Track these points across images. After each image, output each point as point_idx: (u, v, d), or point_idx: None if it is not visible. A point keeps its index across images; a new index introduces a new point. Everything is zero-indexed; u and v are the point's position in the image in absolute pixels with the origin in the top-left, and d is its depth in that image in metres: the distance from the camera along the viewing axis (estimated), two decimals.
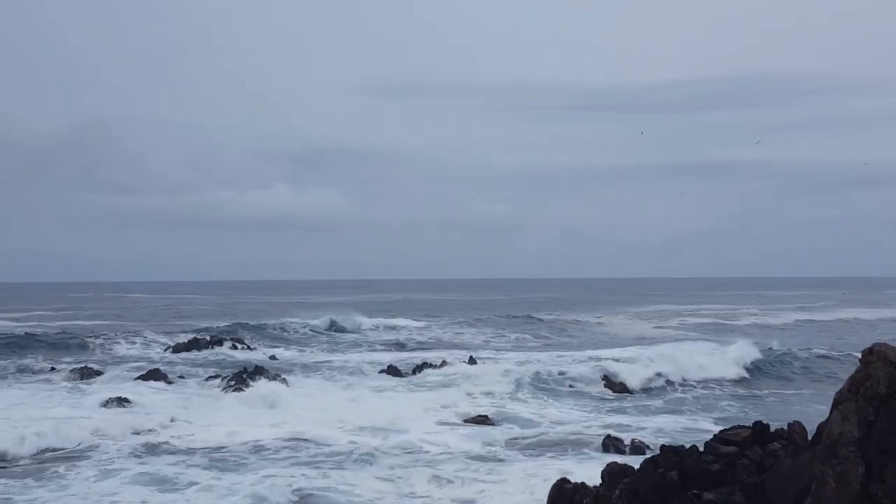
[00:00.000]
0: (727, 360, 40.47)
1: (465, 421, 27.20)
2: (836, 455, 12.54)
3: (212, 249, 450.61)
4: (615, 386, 35.33)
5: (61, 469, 20.07)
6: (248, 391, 31.88)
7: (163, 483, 19.44)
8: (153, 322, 62.44)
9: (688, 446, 15.39)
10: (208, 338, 52.91)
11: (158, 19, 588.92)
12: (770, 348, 44.25)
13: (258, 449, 22.76)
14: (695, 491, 14.32)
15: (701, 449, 15.24)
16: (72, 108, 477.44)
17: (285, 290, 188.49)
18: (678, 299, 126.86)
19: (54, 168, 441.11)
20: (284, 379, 34.47)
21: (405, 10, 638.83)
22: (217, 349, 50.52)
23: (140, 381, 35.66)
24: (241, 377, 33.56)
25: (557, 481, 15.88)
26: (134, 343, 51.68)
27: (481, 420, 27.44)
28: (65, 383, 35.87)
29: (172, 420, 25.27)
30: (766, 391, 35.71)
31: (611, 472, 15.40)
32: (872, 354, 12.86)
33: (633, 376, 35.80)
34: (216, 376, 36.40)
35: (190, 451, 22.20)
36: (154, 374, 36.40)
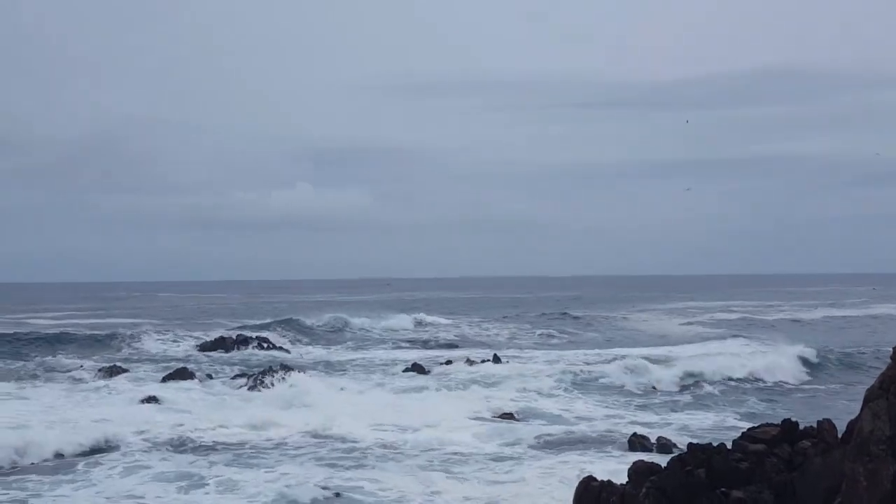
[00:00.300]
0: (756, 357, 40.17)
1: (492, 418, 27.12)
2: (866, 453, 12.37)
3: (234, 249, 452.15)
4: (643, 384, 35.05)
5: (87, 466, 20.18)
6: (273, 389, 32.01)
7: (188, 480, 19.51)
8: (179, 321, 62.74)
9: (715, 444, 15.25)
10: (234, 336, 53.13)
11: (178, 21, 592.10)
12: (799, 345, 43.81)
13: (284, 446, 22.83)
14: (723, 489, 14.19)
15: (729, 447, 15.12)
16: (94, 110, 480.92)
17: (308, 289, 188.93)
18: (705, 296, 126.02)
19: (77, 170, 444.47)
20: (310, 377, 34.54)
21: (428, 8, 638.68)
22: (242, 348, 50.77)
23: (167, 379, 35.94)
24: (267, 375, 33.65)
25: (584, 479, 15.78)
26: (161, 342, 52.00)
27: (507, 417, 27.38)
28: (93, 382, 36.11)
29: (198, 418, 25.30)
30: (794, 388, 35.36)
31: (637, 471, 15.29)
32: None
33: (661, 374, 35.51)
34: (242, 374, 36.56)
35: (216, 449, 22.28)
36: (181, 373, 36.61)
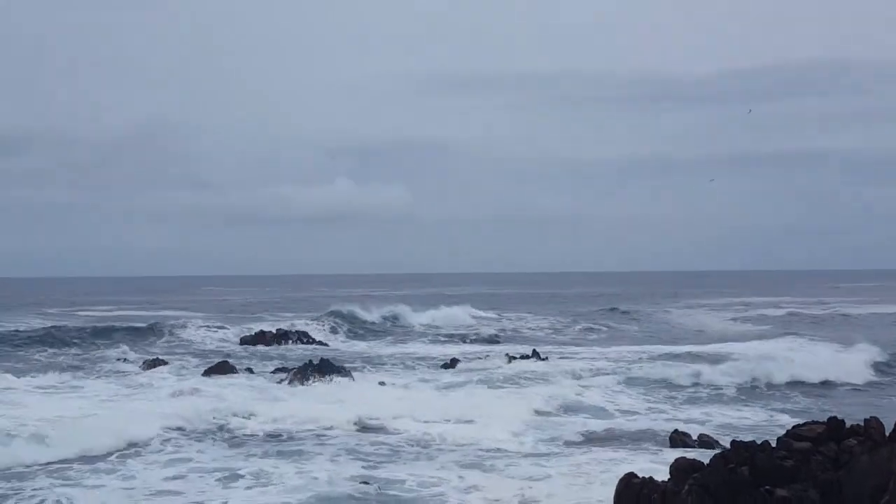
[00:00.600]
0: (804, 354, 39.56)
1: (531, 413, 26.88)
2: None
3: (273, 245, 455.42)
4: (687, 380, 34.49)
5: (126, 458, 20.29)
6: (313, 383, 32.10)
7: (226, 472, 19.58)
8: (221, 315, 63.21)
9: (759, 442, 15.02)
10: (274, 331, 53.44)
11: (224, 19, 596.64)
12: (845, 342, 43.11)
13: (323, 438, 22.87)
14: (767, 487, 13.97)
15: (773, 445, 14.88)
16: (141, 106, 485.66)
17: (349, 284, 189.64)
18: (749, 291, 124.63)
19: (124, 165, 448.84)
20: (349, 371, 34.61)
21: (462, 2, 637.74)
22: (283, 342, 51.05)
23: (208, 372, 36.19)
24: (307, 369, 33.75)
25: (625, 475, 15.62)
26: (203, 335, 52.40)
27: (547, 413, 27.16)
28: (135, 375, 36.47)
29: (238, 411, 25.39)
30: (840, 386, 34.74)
31: (679, 467, 15.10)
32: None
33: (706, 370, 34.84)
34: (282, 368, 36.70)
35: (255, 441, 22.38)
36: (222, 366, 36.82)
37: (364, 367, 39.37)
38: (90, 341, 47.74)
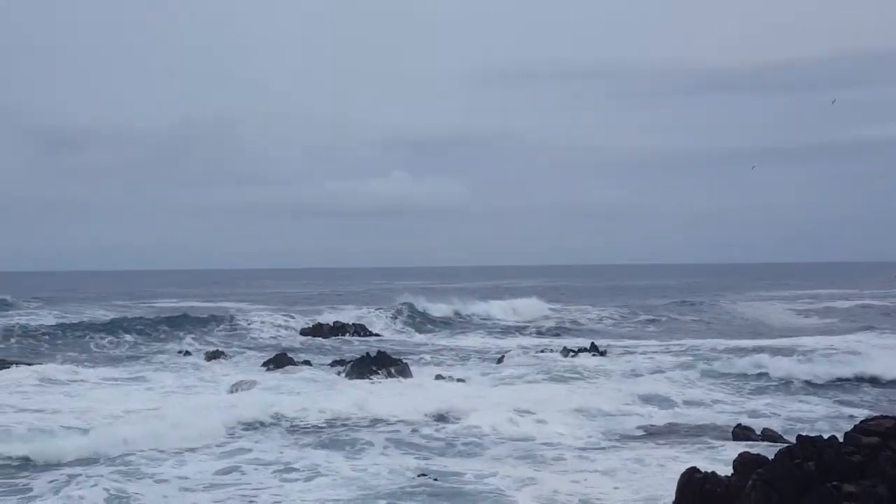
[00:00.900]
0: (871, 347, 38.64)
1: (591, 407, 26.49)
2: None
3: (331, 238, 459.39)
4: (753, 373, 33.70)
5: (186, 452, 20.39)
6: (371, 377, 32.11)
7: (283, 465, 19.64)
8: (279, 307, 63.63)
9: (826, 436, 14.63)
10: (332, 323, 53.67)
11: (278, 12, 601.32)
12: None
13: (379, 432, 22.80)
14: (834, 483, 13.59)
15: (840, 439, 14.48)
16: (196, 101, 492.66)
17: (405, 277, 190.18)
18: (817, 283, 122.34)
19: (183, 161, 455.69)
20: (406, 364, 34.56)
21: None
22: (341, 334, 51.28)
23: (266, 364, 36.46)
24: (365, 362, 33.78)
25: (687, 470, 15.32)
26: (262, 328, 52.75)
27: (606, 406, 26.77)
28: (194, 369, 36.82)
29: (295, 403, 25.44)
30: None
31: (743, 462, 14.79)
32: None
33: (772, 363, 33.95)
34: (340, 361, 36.81)
35: (312, 434, 22.39)
36: (280, 359, 37.06)
37: (421, 360, 39.35)
38: (153, 333, 48.38)
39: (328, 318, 56.57)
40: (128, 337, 47.02)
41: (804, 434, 15.11)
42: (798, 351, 37.80)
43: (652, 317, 65.65)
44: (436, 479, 17.87)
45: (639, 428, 23.68)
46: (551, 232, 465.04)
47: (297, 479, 18.51)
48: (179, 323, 50.95)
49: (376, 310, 61.43)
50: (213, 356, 39.69)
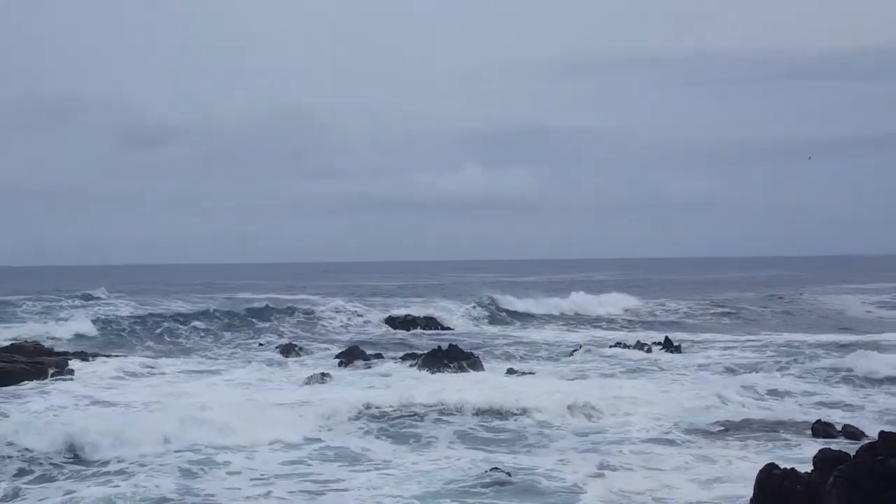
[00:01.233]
0: None
1: (663, 401, 26.11)
2: None
3: (410, 231, 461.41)
4: (834, 369, 32.80)
5: (255, 444, 20.54)
6: (443, 370, 32.09)
7: (352, 458, 19.74)
8: (353, 300, 63.92)
9: None
10: (404, 316, 53.92)
11: (354, 7, 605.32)
12: None
13: (449, 426, 22.74)
14: None
15: None
16: (276, 94, 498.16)
17: (479, 270, 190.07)
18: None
19: (260, 154, 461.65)
20: (478, 357, 34.50)
21: None
22: (413, 327, 51.46)
23: (339, 357, 36.74)
24: (437, 356, 33.80)
25: (765, 466, 14.98)
26: (334, 320, 53.12)
27: (679, 401, 26.35)
28: (272, 360, 37.29)
29: (366, 397, 25.48)
30: None
31: (824, 459, 14.38)
32: None
33: (857, 358, 32.92)
34: (411, 354, 36.88)
35: (382, 428, 22.38)
36: (352, 353, 37.31)
37: (493, 353, 39.25)
38: (229, 326, 48.91)
39: (400, 311, 56.79)
40: (204, 329, 47.59)
41: (888, 431, 14.66)
42: (881, 345, 36.80)
43: (729, 310, 64.68)
44: (508, 474, 17.76)
45: (713, 423, 23.22)
46: (624, 224, 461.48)
47: (365, 472, 18.54)
48: (254, 315, 51.52)
49: (449, 303, 61.39)
50: (287, 349, 40.08)
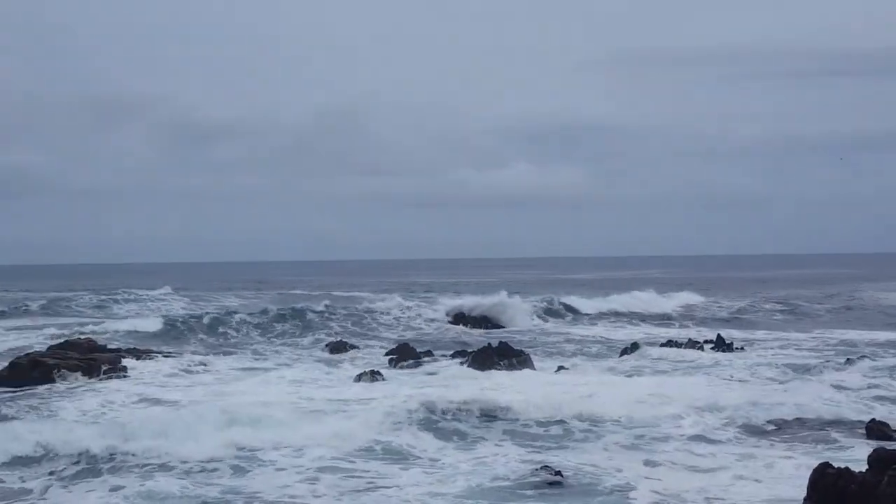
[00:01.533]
0: None
1: (712, 399, 25.70)
2: None
3: (457, 228, 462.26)
4: (891, 367, 32.08)
5: (306, 441, 20.60)
6: (493, 367, 31.98)
7: (401, 454, 19.79)
8: (403, 298, 64.08)
9: None
10: (455, 313, 53.94)
11: (402, 4, 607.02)
12: None
13: (498, 424, 22.62)
14: None
15: None
16: (326, 93, 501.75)
17: (527, 267, 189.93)
18: None
19: (310, 152, 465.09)
20: (528, 355, 34.36)
21: None
22: (463, 325, 51.47)
23: (390, 354, 36.85)
24: (487, 353, 33.72)
25: (819, 465, 14.74)
26: (384, 318, 53.17)
27: (729, 399, 25.97)
28: (322, 357, 37.53)
29: (416, 395, 25.47)
30: None
31: (879, 458, 14.12)
32: None
33: None
34: (461, 352, 36.82)
35: (430, 425, 22.32)
36: (403, 350, 37.36)
37: (545, 351, 39.12)
38: (280, 323, 48.98)
39: (452, 308, 56.75)
40: (256, 326, 47.84)
41: None
42: None
43: (785, 307, 63.87)
44: (558, 473, 17.65)
45: (766, 422, 22.85)
46: (674, 221, 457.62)
47: (413, 470, 18.55)
48: (306, 312, 51.60)
49: (500, 299, 60.96)
50: (339, 346, 40.28)
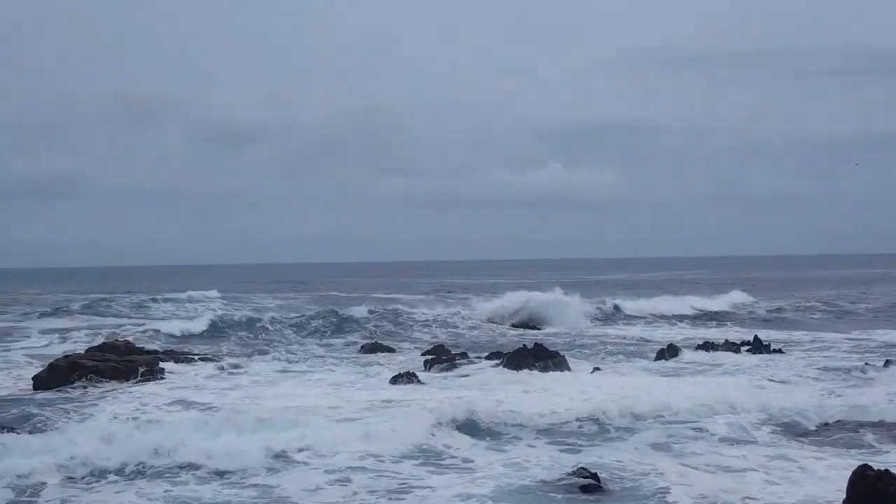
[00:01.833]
0: None
1: (746, 400, 25.38)
2: None
3: (489, 229, 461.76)
4: None
5: (332, 446, 20.54)
6: (528, 369, 31.86)
7: (434, 457, 19.75)
8: (438, 299, 64.20)
9: None
10: (490, 313, 53.92)
11: (433, 6, 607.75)
12: None
13: (535, 426, 22.53)
14: None
15: None
16: (356, 93, 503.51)
17: (560, 268, 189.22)
18: None
19: (341, 154, 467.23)
20: (563, 356, 34.18)
21: None
22: (500, 326, 51.36)
23: (425, 356, 36.81)
24: (522, 354, 33.59)
25: (858, 468, 14.52)
26: (419, 320, 53.15)
27: (773, 402, 25.68)
28: (357, 360, 37.51)
29: (452, 397, 25.49)
30: None
31: None
32: None
33: None
34: (496, 353, 36.73)
35: (464, 427, 22.25)
36: (438, 352, 37.35)
37: (582, 352, 38.89)
38: (315, 325, 49.19)
39: (487, 309, 56.65)
40: (293, 328, 48.01)
41: None
42: None
43: (827, 307, 63.16)
44: (594, 475, 17.52)
45: (802, 424, 22.59)
46: (709, 222, 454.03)
47: (447, 472, 18.52)
48: (343, 314, 51.75)
49: (533, 298, 60.65)
50: (373, 348, 40.33)
